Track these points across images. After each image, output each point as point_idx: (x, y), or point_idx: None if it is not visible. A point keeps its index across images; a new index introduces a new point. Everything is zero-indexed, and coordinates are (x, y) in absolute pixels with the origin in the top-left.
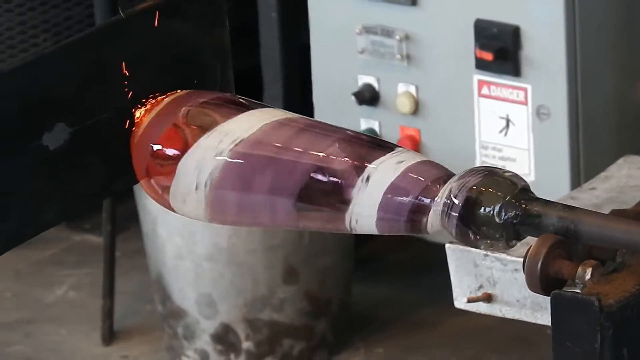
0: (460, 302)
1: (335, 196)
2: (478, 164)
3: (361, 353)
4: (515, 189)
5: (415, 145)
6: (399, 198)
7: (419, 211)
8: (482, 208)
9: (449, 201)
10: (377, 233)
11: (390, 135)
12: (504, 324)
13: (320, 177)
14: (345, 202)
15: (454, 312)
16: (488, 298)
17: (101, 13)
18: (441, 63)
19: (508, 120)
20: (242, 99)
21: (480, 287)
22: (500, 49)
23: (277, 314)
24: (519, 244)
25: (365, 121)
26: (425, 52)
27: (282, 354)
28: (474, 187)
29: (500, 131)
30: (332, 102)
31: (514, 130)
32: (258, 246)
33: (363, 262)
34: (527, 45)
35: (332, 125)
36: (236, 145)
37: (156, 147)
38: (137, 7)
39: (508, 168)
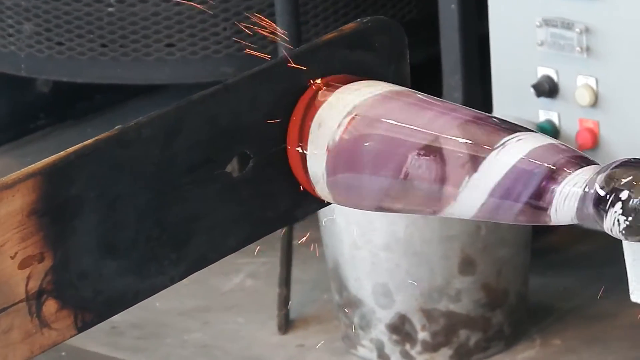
0: (636, 296)
1: (447, 178)
2: None
3: (537, 344)
4: None
5: (594, 137)
6: (518, 182)
7: (541, 197)
8: (631, 201)
9: (595, 193)
10: (480, 219)
11: (569, 127)
12: None
13: (432, 158)
14: (455, 185)
15: (633, 305)
16: None
17: (281, 2)
18: (621, 55)
19: None
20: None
21: None
22: None
23: (454, 305)
24: None
25: (544, 113)
26: (605, 44)
27: (458, 344)
28: (623, 180)
29: None
30: (510, 94)
31: None
32: (434, 236)
33: (544, 253)
34: None
35: (452, 104)
36: (349, 122)
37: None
38: (322, 38)
39: None
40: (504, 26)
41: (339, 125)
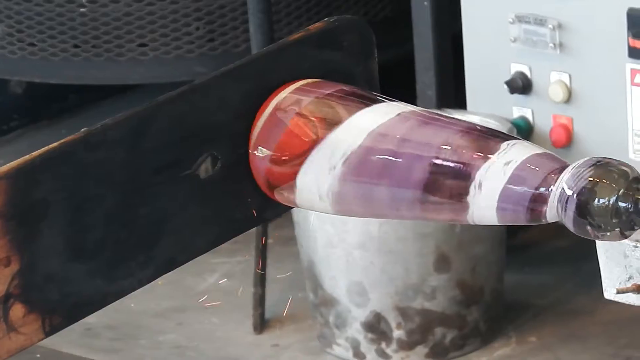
0: (609, 294)
1: (457, 188)
2: (631, 152)
3: (513, 342)
4: (629, 179)
5: (568, 133)
6: (520, 187)
7: (539, 201)
8: (597, 199)
9: (563, 193)
10: (497, 223)
11: (543, 123)
12: None
13: (443, 169)
14: (466, 194)
15: (610, 301)
16: (638, 289)
17: (254, 1)
18: (594, 52)
19: None
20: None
21: (630, 278)
22: None
23: (429, 302)
24: None
25: (518, 109)
26: (578, 40)
27: (433, 342)
28: (589, 179)
29: None
30: (484, 91)
31: None
32: (409, 234)
33: (520, 250)
34: None
35: (449, 117)
36: (362, 142)
37: (277, 146)
38: (289, 38)
39: None
40: (477, 23)
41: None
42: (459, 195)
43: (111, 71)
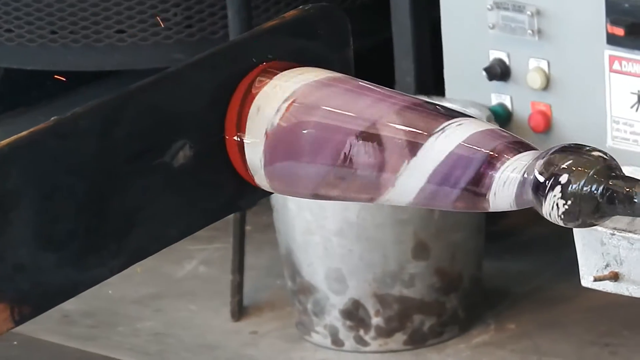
0: (587, 281)
1: (385, 164)
2: (609, 139)
3: (492, 329)
4: (601, 167)
5: (547, 120)
6: (456, 167)
7: (479, 183)
8: (570, 187)
9: (535, 179)
10: (418, 206)
11: (521, 110)
12: (638, 299)
13: (369, 144)
14: (393, 171)
15: (589, 289)
16: (615, 277)
17: None
18: (572, 38)
19: (639, 96)
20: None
21: (607, 265)
22: (632, 25)
23: (408, 290)
24: None
25: (496, 96)
26: (556, 27)
27: (412, 329)
28: (561, 165)
29: (632, 106)
30: (463, 77)
31: None
32: (387, 221)
33: (500, 237)
34: None
35: (390, 90)
36: (287, 108)
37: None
38: (264, 25)
39: None
40: (455, 9)
41: (276, 112)
42: (392, 172)
43: (89, 57)
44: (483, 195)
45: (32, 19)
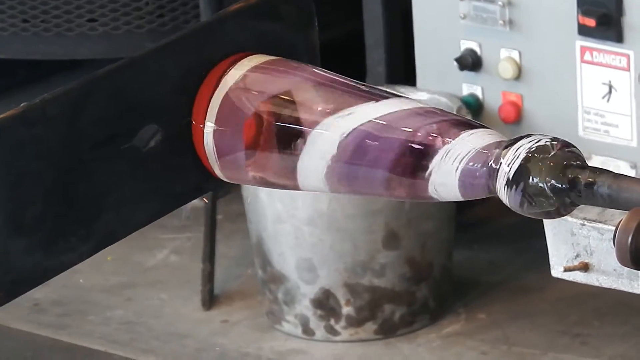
0: (557, 271)
1: (420, 168)
2: (581, 130)
3: (462, 319)
4: (565, 157)
5: (518, 111)
6: (476, 165)
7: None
8: (532, 177)
9: (502, 170)
10: (461, 199)
11: (492, 100)
12: (609, 290)
13: (410, 151)
14: (427, 171)
15: (559, 278)
16: (585, 267)
17: None
18: (544, 29)
19: (611, 87)
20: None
21: (577, 256)
22: (603, 15)
23: (378, 279)
24: (617, 213)
25: (468, 86)
26: (527, 17)
27: (382, 319)
28: (526, 156)
29: (603, 97)
30: (434, 67)
31: (617, 97)
32: (358, 211)
33: (470, 226)
34: (630, 11)
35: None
36: (359, 125)
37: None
38: (229, 9)
39: (611, 134)
40: None
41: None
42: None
43: (60, 46)
44: (495, 187)
45: (4, 7)
